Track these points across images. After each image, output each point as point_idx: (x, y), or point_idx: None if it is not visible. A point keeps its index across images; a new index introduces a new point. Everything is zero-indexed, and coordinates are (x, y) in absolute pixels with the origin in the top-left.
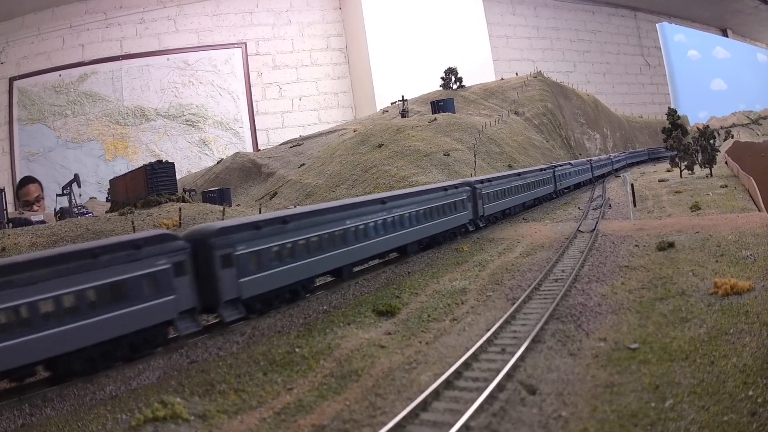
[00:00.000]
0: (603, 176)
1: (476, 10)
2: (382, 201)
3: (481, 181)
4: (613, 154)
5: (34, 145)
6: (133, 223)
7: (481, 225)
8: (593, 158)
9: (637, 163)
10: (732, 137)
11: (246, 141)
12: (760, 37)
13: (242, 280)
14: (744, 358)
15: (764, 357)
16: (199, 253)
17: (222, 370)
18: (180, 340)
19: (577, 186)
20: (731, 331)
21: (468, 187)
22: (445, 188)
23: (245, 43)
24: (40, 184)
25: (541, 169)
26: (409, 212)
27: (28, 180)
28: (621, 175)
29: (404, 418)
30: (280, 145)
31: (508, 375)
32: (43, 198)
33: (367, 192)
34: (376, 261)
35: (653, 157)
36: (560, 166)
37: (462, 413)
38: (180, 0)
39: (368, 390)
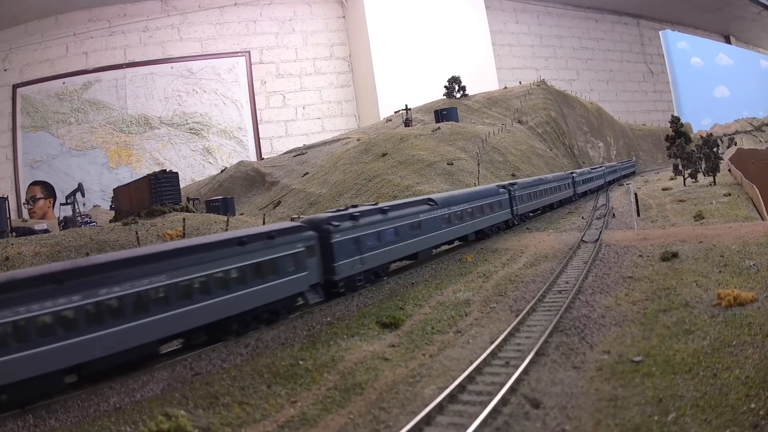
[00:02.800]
0: (543, 210)
1: (479, 18)
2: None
3: None
4: (576, 172)
5: (38, 152)
6: (137, 233)
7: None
8: (522, 180)
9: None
10: (735, 144)
11: (250, 149)
12: (764, 44)
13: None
14: (747, 370)
15: (767, 369)
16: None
17: (226, 383)
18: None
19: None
20: (734, 343)
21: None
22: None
23: (249, 52)
24: (47, 187)
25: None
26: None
27: (36, 182)
28: (624, 184)
29: None
30: (284, 153)
31: (511, 389)
32: (47, 199)
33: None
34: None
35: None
36: (399, 208)
37: (466, 428)
38: (184, 8)
39: (372, 403)
